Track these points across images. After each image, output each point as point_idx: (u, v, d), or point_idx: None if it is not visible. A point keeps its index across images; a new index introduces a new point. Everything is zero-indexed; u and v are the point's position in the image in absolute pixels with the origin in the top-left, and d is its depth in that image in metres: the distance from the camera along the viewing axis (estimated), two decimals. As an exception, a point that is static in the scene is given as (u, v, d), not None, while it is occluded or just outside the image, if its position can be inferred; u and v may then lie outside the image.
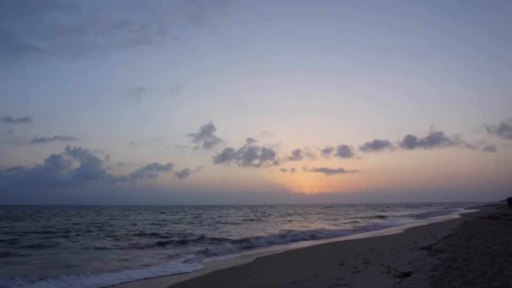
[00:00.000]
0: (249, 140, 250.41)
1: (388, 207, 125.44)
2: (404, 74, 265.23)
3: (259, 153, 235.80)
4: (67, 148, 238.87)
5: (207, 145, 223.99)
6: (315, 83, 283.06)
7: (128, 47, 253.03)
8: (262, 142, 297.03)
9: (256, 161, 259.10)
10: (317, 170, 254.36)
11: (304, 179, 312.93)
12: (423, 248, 12.43)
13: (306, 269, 11.78)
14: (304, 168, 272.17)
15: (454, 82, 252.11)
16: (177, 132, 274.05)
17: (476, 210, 60.21)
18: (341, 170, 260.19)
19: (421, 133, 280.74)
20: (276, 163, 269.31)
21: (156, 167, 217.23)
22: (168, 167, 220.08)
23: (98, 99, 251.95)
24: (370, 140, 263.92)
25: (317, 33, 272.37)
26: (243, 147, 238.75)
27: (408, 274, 8.10)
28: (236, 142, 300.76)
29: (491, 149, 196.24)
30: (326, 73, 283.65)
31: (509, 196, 60.71)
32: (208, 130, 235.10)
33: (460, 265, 8.57)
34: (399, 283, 7.43)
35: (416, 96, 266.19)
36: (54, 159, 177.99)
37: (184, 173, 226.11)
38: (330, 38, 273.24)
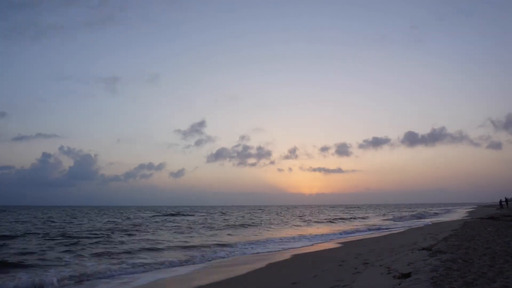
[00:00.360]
0: (242, 137, 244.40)
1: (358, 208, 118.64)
2: (404, 66, 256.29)
3: (252, 151, 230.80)
4: (52, 147, 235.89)
5: (198, 143, 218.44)
6: (309, 75, 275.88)
7: (90, 27, 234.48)
8: (255, 140, 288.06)
9: (249, 160, 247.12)
10: (314, 170, 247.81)
11: (301, 179, 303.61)
12: (423, 249, 12.40)
13: (305, 270, 11.74)
14: (301, 168, 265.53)
15: (457, 72, 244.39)
16: (163, 128, 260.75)
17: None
18: (339, 170, 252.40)
19: (422, 129, 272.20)
20: (272, 162, 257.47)
21: (147, 167, 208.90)
22: (159, 166, 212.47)
23: (72, 91, 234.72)
24: (369, 137, 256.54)
25: (312, 21, 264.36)
26: (236, 145, 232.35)
27: (408, 275, 8.08)
28: (226, 139, 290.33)
29: (497, 145, 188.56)
30: (322, 64, 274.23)
31: (502, 199, 60.78)
32: (196, 126, 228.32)
33: (460, 266, 8.54)
34: (399, 284, 7.40)
35: (417, 90, 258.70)
36: (43, 158, 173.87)
37: (174, 173, 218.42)
38: (327, 26, 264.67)
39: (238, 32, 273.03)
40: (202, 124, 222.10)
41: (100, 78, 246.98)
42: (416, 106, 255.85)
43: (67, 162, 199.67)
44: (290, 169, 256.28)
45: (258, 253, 17.26)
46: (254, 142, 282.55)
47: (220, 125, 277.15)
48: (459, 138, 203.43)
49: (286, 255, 16.03)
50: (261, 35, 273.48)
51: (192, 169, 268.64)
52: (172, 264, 13.93)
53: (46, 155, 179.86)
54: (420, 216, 53.99)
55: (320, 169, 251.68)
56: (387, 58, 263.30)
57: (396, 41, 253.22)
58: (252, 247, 19.02)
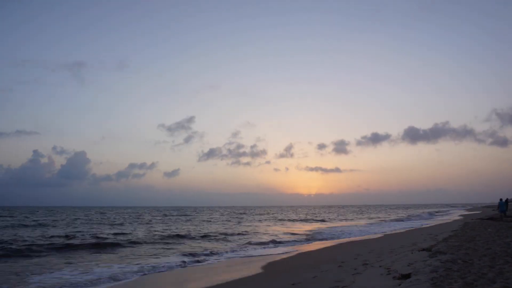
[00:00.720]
0: (234, 134, 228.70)
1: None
2: (403, 56, 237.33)
3: (246, 150, 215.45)
4: (34, 145, 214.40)
5: (187, 140, 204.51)
6: (302, 69, 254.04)
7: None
8: (247, 138, 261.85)
9: (243, 159, 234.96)
10: (311, 170, 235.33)
11: (297, 179, 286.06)
12: (423, 250, 12.37)
13: (305, 271, 11.71)
14: (297, 167, 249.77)
15: (460, 63, 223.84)
16: (146, 123, 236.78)
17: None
18: (337, 170, 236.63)
19: (424, 124, 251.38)
20: (268, 162, 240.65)
21: (138, 166, 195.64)
22: (145, 165, 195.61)
23: (35, 78, 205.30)
24: (368, 133, 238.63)
25: (305, 14, 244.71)
26: (229, 143, 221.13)
27: (408, 276, 8.05)
28: (217, 135, 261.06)
29: (502, 141, 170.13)
30: (315, 56, 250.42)
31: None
32: (184, 122, 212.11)
33: (461, 266, 8.51)
34: (399, 285, 7.37)
35: (418, 81, 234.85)
36: (26, 157, 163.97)
37: (165, 172, 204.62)
38: (319, 18, 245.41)
39: (229, 26, 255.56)
40: (190, 120, 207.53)
41: (63, 64, 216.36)
42: (417, 99, 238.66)
43: (53, 161, 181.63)
44: (286, 169, 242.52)
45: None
46: (247, 141, 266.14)
47: (209, 121, 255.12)
48: (462, 133, 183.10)
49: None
50: (252, 29, 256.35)
51: (182, 168, 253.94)
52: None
53: (29, 154, 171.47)
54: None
55: (317, 169, 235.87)
56: (385, 47, 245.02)
57: (394, 17, 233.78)
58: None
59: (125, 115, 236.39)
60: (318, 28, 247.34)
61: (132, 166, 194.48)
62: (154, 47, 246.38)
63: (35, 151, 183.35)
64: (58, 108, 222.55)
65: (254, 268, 13.20)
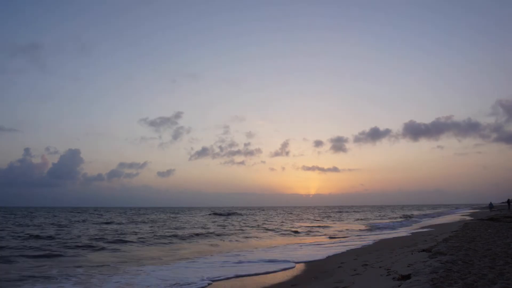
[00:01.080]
0: (226, 131, 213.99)
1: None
2: (403, 47, 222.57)
3: (240, 148, 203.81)
4: (18, 143, 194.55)
5: (175, 137, 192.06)
6: (294, 56, 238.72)
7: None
8: (234, 132, 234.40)
9: (237, 158, 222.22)
10: (308, 169, 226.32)
11: (294, 179, 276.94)
12: (423, 250, 12.35)
13: (305, 272, 11.69)
14: (293, 166, 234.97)
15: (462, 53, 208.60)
16: (124, 117, 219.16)
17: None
18: (335, 169, 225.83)
19: (425, 119, 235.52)
20: (263, 161, 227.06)
21: (125, 165, 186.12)
22: (132, 165, 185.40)
23: None
24: (367, 128, 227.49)
25: (301, 6, 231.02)
26: (221, 141, 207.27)
27: (407, 277, 8.02)
28: (207, 131, 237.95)
29: (507, 137, 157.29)
30: (309, 41, 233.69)
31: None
32: (173, 119, 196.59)
33: (461, 267, 8.48)
34: (399, 286, 7.35)
35: (418, 77, 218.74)
36: (11, 156, 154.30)
37: (155, 171, 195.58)
38: (314, 8, 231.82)
39: (208, 6, 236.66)
40: (177, 115, 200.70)
41: (16, 46, 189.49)
42: (417, 92, 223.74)
43: (40, 161, 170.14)
44: (283, 168, 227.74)
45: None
46: (238, 138, 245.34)
47: (194, 115, 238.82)
48: (466, 128, 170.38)
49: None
50: (238, 10, 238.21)
51: (175, 168, 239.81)
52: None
53: (12, 153, 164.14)
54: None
55: (314, 168, 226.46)
56: (384, 37, 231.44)
57: (392, 9, 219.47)
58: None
59: (103, 108, 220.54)
60: (315, 20, 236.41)
61: (122, 165, 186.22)
62: (120, 30, 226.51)
63: (23, 150, 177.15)
64: (30, 101, 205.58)
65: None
